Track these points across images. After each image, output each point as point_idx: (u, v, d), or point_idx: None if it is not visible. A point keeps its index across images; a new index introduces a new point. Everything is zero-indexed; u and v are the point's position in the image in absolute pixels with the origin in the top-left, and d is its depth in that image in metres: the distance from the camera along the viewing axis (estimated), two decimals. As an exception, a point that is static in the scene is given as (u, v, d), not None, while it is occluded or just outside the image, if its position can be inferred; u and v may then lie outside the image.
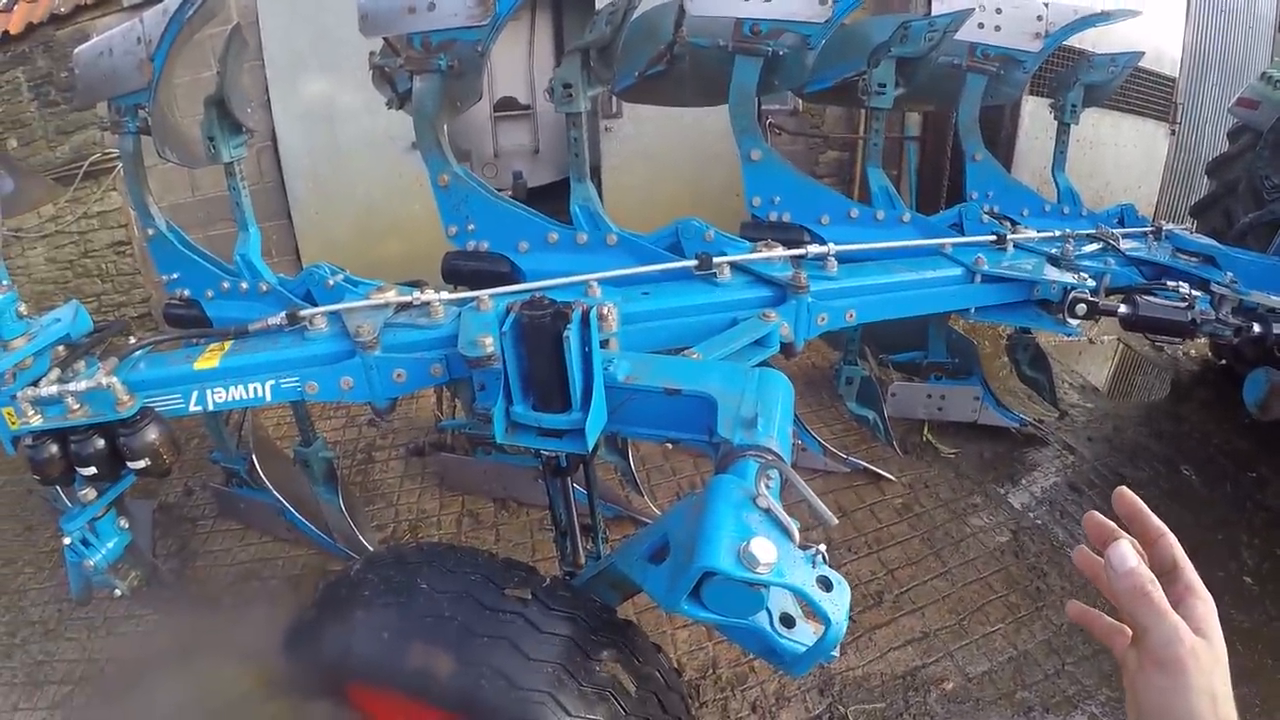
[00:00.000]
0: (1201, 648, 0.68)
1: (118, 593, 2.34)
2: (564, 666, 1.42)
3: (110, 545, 2.17)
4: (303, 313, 2.15)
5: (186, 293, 2.71)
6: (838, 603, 1.20)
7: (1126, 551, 0.74)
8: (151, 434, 1.85)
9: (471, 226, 2.57)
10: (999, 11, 2.94)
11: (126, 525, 2.27)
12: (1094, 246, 2.98)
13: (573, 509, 1.93)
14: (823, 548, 1.25)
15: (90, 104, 2.76)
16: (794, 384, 4.36)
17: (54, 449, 1.82)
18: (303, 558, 3.23)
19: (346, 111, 4.79)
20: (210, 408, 2.07)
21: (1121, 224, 3.38)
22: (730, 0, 2.46)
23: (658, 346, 2.17)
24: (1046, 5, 2.96)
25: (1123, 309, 2.61)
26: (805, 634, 1.30)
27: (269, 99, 4.86)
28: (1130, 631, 0.76)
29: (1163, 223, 3.36)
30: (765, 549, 1.17)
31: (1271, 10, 6.01)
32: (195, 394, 2.03)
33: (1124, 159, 5.41)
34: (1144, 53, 3.44)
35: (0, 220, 2.04)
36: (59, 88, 4.78)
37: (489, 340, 1.80)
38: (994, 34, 2.94)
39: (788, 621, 1.31)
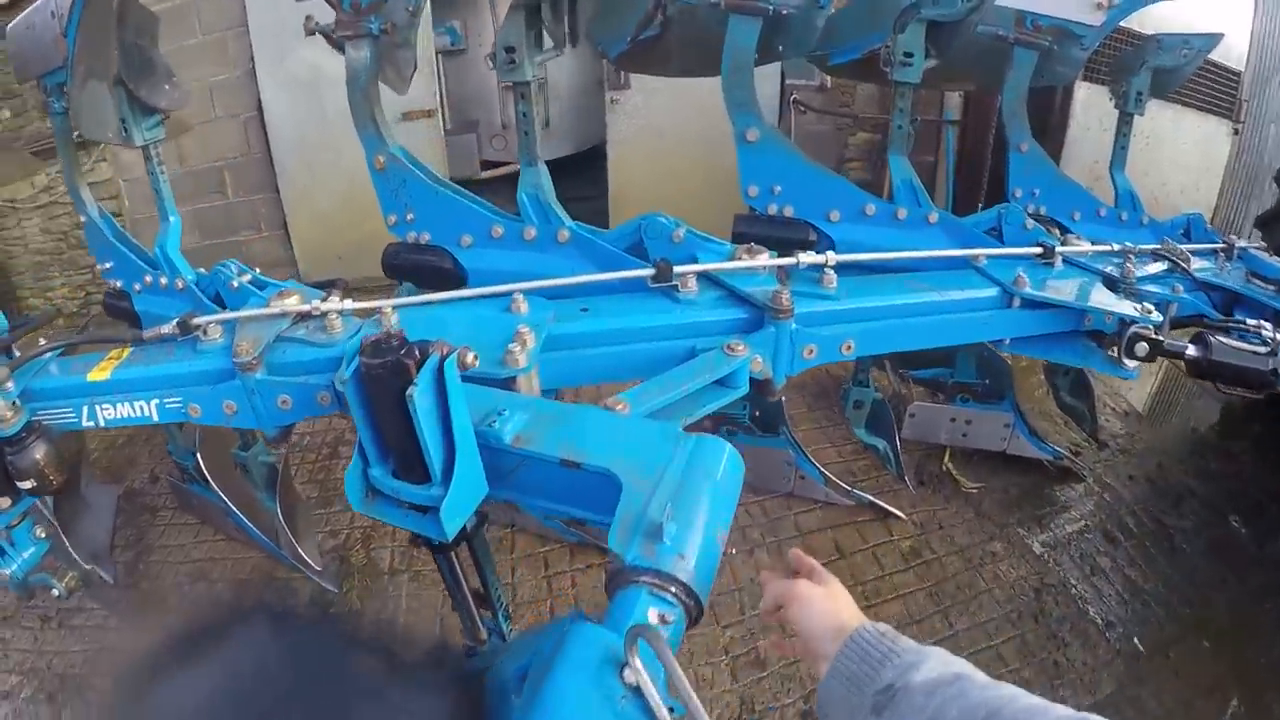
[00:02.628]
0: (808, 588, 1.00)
1: (55, 593, 2.17)
2: None
3: (27, 555, 1.93)
4: (196, 320, 1.75)
5: (119, 283, 2.41)
6: None
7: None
8: (36, 453, 1.60)
9: (411, 216, 2.15)
10: (1053, -22, 2.33)
11: (44, 535, 2.02)
12: (1158, 266, 2.37)
13: (462, 584, 1.46)
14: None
15: (24, 80, 2.44)
16: (801, 392, 3.73)
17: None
18: (252, 560, 2.92)
19: (334, 79, 4.31)
20: (101, 424, 1.74)
21: (1187, 237, 2.76)
22: (723, -48, 1.91)
23: (596, 378, 1.69)
24: (1108, -26, 2.34)
25: (1192, 350, 2.03)
26: None
27: (254, 68, 4.47)
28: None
29: (1235, 238, 2.72)
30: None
31: None
32: (86, 408, 1.72)
33: (1181, 157, 4.60)
34: (1223, 35, 2.78)
35: None
36: None
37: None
38: (1048, 2, 2.33)
39: None
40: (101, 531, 2.72)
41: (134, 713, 1.01)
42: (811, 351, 1.67)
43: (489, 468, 1.19)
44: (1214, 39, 2.71)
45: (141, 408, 1.72)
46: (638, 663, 0.78)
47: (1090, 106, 4.16)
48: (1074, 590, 2.71)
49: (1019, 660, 2.46)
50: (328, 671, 1.06)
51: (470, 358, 1.26)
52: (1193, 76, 4.57)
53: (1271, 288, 2.51)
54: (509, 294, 1.65)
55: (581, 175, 5.33)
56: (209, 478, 2.68)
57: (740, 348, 1.53)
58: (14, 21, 2.24)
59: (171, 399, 1.71)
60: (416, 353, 1.04)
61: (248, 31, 4.35)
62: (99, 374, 1.73)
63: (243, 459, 2.72)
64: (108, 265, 2.43)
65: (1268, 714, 2.33)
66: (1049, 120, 4.16)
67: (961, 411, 3.08)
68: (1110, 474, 3.29)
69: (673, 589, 0.93)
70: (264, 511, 2.77)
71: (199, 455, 2.69)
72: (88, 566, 2.25)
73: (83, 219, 2.44)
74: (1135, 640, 2.53)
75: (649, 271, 1.73)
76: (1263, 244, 2.88)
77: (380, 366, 1.02)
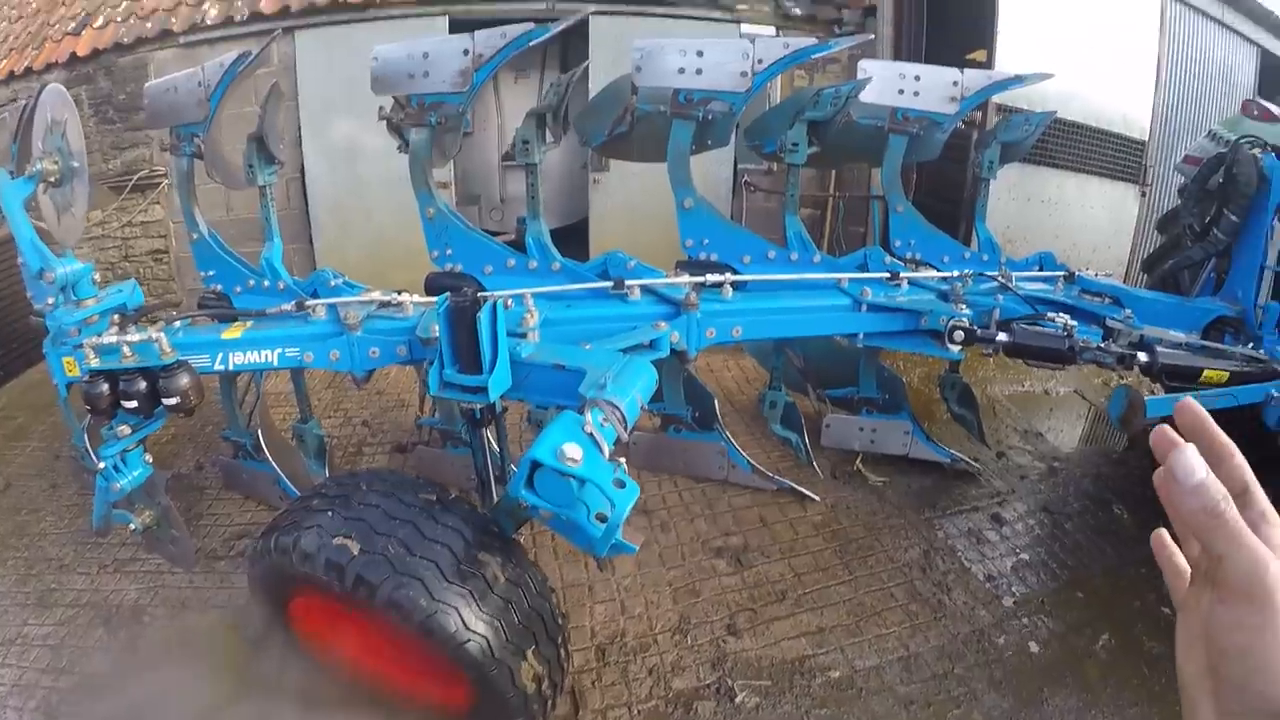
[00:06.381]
0: None
1: (132, 526, 3.20)
2: (450, 549, 2.20)
3: (135, 474, 3.04)
4: (308, 302, 3.09)
5: (219, 288, 3.74)
6: (625, 496, 1.97)
7: (1193, 462, 0.66)
8: (184, 379, 2.73)
9: (449, 251, 3.50)
10: (918, 78, 3.75)
11: (151, 460, 3.13)
12: (991, 286, 3.71)
13: (488, 457, 2.73)
14: (623, 461, 2.03)
15: (156, 128, 3.87)
16: (741, 415, 5.16)
17: (105, 387, 2.71)
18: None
19: (368, 152, 5.92)
20: (230, 368, 3.00)
21: (1041, 269, 4.11)
22: (669, 74, 3.33)
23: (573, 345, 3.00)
24: (962, 72, 3.76)
25: (1001, 336, 3.32)
26: (609, 526, 2.04)
27: (300, 136, 6.03)
28: (1189, 572, 0.75)
29: (1080, 269, 4.07)
30: (575, 450, 1.95)
31: (1250, 76, 6.77)
32: (220, 355, 2.97)
33: (1091, 220, 6.14)
34: (1055, 112, 4.27)
35: (85, 210, 3.04)
36: (116, 108, 5.96)
37: (436, 327, 2.65)
38: (913, 99, 3.75)
39: (601, 518, 2.05)
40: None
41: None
42: (711, 332, 3.02)
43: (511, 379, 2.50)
44: (1050, 115, 4.17)
45: (266, 355, 2.97)
46: (589, 417, 2.06)
47: (999, 182, 5.64)
48: (960, 554, 3.93)
49: (907, 598, 3.62)
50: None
51: (509, 302, 2.59)
52: (1100, 148, 6.15)
53: (1101, 299, 3.81)
54: (521, 295, 2.98)
55: (566, 245, 6.90)
56: (265, 448, 3.91)
57: (662, 325, 2.87)
58: (155, 82, 3.63)
59: (291, 349, 2.97)
60: (481, 298, 2.37)
61: (297, 105, 5.88)
62: (231, 334, 3.00)
63: (300, 430, 3.99)
64: (210, 273, 3.74)
65: (1137, 646, 3.36)
66: (964, 193, 5.63)
67: (868, 422, 4.40)
68: (1005, 474, 4.57)
69: (610, 408, 2.20)
70: (306, 483, 3.98)
71: (259, 431, 3.95)
72: (166, 503, 3.26)
73: (194, 236, 3.70)
74: (1013, 588, 3.70)
75: (609, 284, 3.08)
76: (1109, 273, 4.21)
77: (464, 300, 2.34)
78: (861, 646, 3.35)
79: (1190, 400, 0.75)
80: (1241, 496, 0.69)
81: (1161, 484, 0.69)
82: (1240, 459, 0.72)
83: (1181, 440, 0.71)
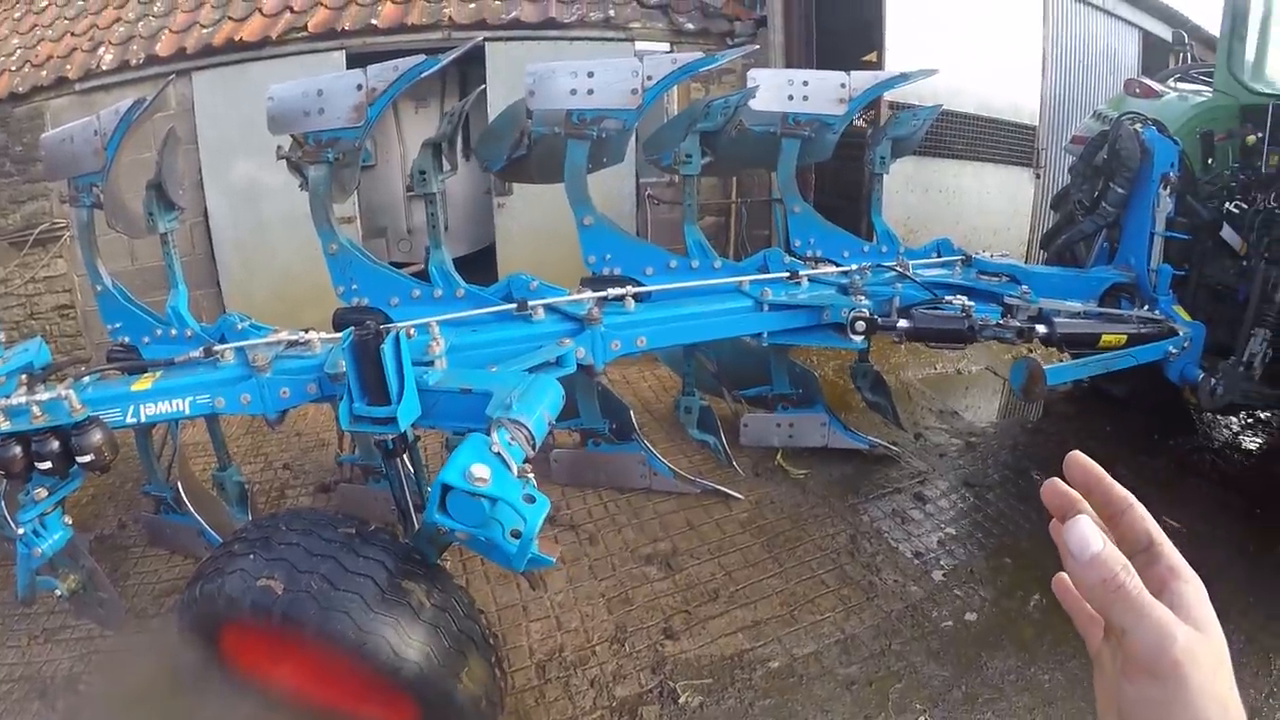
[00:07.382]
0: (1198, 643, 0.59)
1: (58, 593, 3.16)
2: (373, 579, 2.28)
3: (56, 537, 3.00)
4: (216, 348, 3.11)
5: (126, 339, 3.67)
6: (535, 511, 2.08)
7: (1087, 532, 0.64)
8: (97, 435, 2.71)
9: (355, 286, 3.55)
10: (806, 84, 3.93)
11: (71, 522, 3.09)
12: (890, 276, 3.92)
13: (404, 486, 2.81)
14: (531, 477, 2.14)
15: (54, 179, 3.81)
16: (662, 423, 5.32)
17: (18, 450, 2.68)
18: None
19: (269, 190, 5.94)
20: (142, 420, 2.98)
21: (939, 255, 4.34)
22: (561, 95, 3.45)
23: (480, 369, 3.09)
24: (849, 74, 3.95)
25: (902, 323, 3.51)
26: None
27: (201, 179, 5.99)
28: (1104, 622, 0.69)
29: (979, 253, 4.31)
30: (482, 470, 2.05)
31: (1132, 57, 7.26)
32: (131, 408, 2.95)
33: (988, 205, 6.54)
34: (941, 106, 4.53)
35: None
36: (14, 160, 5.85)
37: (342, 362, 2.71)
38: (803, 103, 3.92)
39: (516, 534, 2.15)
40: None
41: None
42: (616, 345, 3.15)
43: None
44: (936, 109, 4.41)
45: (177, 404, 2.97)
46: (496, 437, 2.16)
47: (897, 176, 5.97)
48: (887, 535, 4.12)
49: (838, 583, 3.77)
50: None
51: (412, 332, 2.67)
52: (992, 136, 6.50)
53: (998, 279, 4.03)
54: (426, 324, 3.06)
55: (475, 272, 7.02)
56: (186, 500, 3.88)
57: (567, 341, 2.99)
58: (51, 132, 3.58)
59: (202, 396, 2.98)
60: (383, 330, 2.45)
61: (198, 147, 5.86)
62: (141, 385, 2.99)
63: (220, 478, 3.99)
64: (117, 325, 3.67)
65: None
66: (863, 190, 5.90)
67: (784, 418, 4.59)
68: (924, 454, 4.81)
69: (516, 426, 2.30)
70: (232, 529, 3.96)
71: (179, 483, 3.92)
72: (90, 565, 3.22)
73: (98, 288, 3.63)
74: (941, 562, 3.89)
75: (513, 306, 3.19)
76: (1005, 254, 4.46)
77: (367, 334, 2.42)
78: (798, 635, 3.48)
79: (1078, 454, 0.73)
80: (1147, 551, 0.67)
81: (1061, 544, 0.67)
82: (1140, 510, 0.69)
83: (1074, 495, 0.70)
